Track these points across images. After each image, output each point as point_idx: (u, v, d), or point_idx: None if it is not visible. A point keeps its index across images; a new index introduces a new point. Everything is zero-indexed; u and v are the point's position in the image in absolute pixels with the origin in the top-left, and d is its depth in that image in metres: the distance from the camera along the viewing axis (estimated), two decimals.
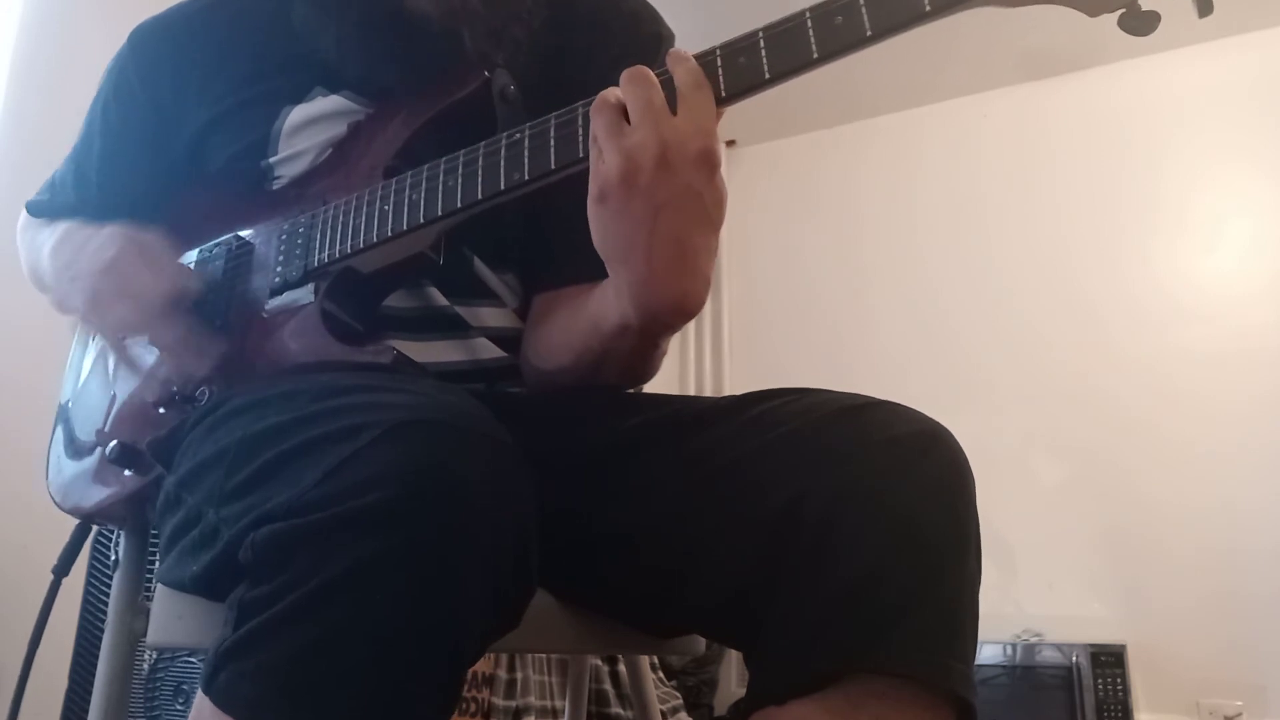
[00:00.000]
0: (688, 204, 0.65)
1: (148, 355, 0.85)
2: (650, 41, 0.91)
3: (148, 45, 0.96)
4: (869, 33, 0.61)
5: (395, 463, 0.51)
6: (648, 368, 0.81)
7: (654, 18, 0.94)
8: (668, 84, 0.66)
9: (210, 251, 0.87)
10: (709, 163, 0.65)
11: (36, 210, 1.00)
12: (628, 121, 0.66)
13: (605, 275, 0.75)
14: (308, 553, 0.50)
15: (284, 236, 0.82)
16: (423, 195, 0.75)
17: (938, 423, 0.65)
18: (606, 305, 0.73)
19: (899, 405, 0.66)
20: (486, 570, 0.52)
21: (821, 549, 0.59)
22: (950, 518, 0.60)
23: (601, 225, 0.68)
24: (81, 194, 0.96)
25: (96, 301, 0.83)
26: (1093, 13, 0.62)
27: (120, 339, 0.84)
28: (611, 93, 0.67)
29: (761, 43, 0.65)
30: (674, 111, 0.65)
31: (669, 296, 0.68)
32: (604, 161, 0.66)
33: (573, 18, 0.91)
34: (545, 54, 0.87)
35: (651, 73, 0.66)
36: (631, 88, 0.66)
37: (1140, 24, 0.61)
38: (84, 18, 2.07)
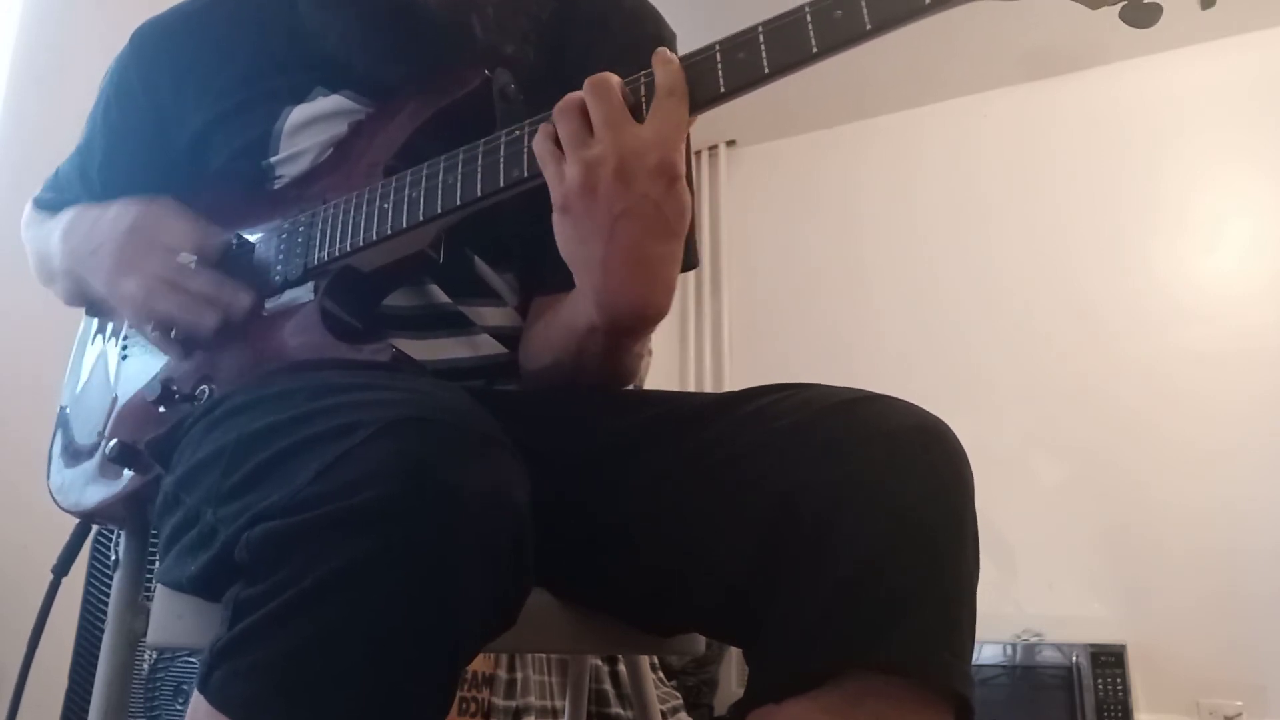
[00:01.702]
0: (645, 214, 0.66)
1: (154, 352, 0.85)
2: (650, 42, 0.91)
3: (148, 46, 0.96)
4: (868, 26, 0.61)
5: (389, 460, 0.50)
6: (624, 370, 0.82)
7: (655, 18, 0.95)
8: (649, 86, 0.67)
9: None
10: (667, 173, 0.66)
11: (43, 205, 1.00)
12: (590, 129, 0.67)
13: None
14: (302, 551, 0.50)
15: (284, 235, 0.82)
16: (422, 193, 0.75)
17: (935, 416, 0.65)
18: (576, 309, 0.75)
19: (895, 399, 0.66)
20: (482, 568, 0.52)
21: (819, 544, 0.59)
22: (949, 513, 0.60)
23: (563, 233, 0.69)
24: (85, 192, 0.96)
25: (121, 264, 0.83)
26: (1094, 4, 0.62)
27: (145, 307, 0.82)
28: (575, 99, 0.67)
29: (761, 37, 0.65)
30: (644, 116, 0.66)
31: (628, 303, 0.70)
32: (565, 171, 0.67)
33: (575, 14, 0.91)
34: (548, 50, 0.87)
35: (614, 82, 0.67)
36: (592, 99, 0.67)
37: (1142, 16, 0.61)
38: (84, 18, 2.07)
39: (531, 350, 0.86)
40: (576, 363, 0.79)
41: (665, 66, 0.67)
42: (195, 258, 0.82)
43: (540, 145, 0.69)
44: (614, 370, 0.81)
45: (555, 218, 0.69)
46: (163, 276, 0.81)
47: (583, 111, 0.67)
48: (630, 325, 0.72)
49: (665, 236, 0.68)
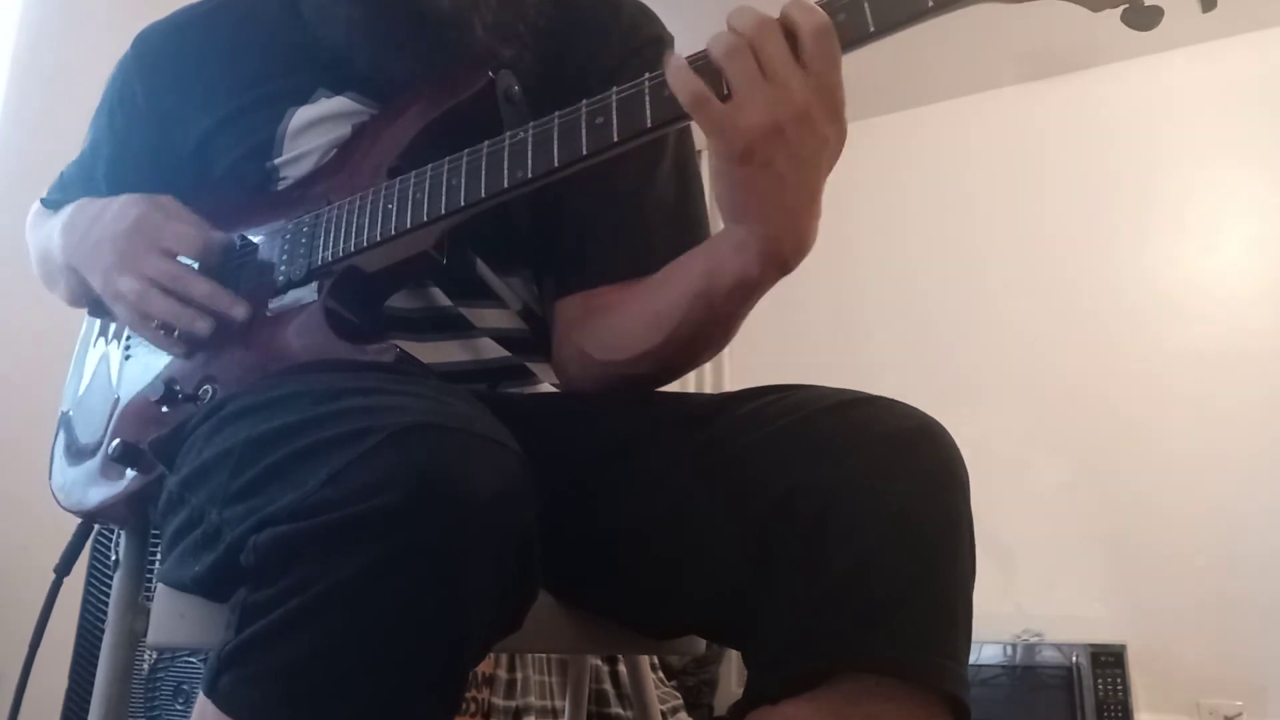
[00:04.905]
0: (822, 156, 0.64)
1: (156, 352, 0.85)
2: (651, 46, 0.91)
3: (151, 51, 0.96)
4: (871, 29, 0.61)
5: (400, 467, 0.50)
6: (732, 331, 0.77)
7: (654, 23, 0.94)
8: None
9: None
10: (840, 112, 0.64)
11: (48, 205, 1.00)
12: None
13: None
14: (311, 557, 0.50)
15: (288, 236, 0.82)
16: (426, 194, 0.75)
17: (930, 417, 0.65)
18: (720, 267, 0.70)
19: (891, 400, 0.66)
20: (490, 574, 0.52)
21: (814, 543, 0.59)
22: (943, 511, 0.60)
23: (738, 182, 0.64)
24: (91, 195, 0.96)
25: (120, 262, 0.82)
26: (1096, 7, 0.62)
27: (138, 308, 0.82)
28: (741, 40, 0.61)
29: None
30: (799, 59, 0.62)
31: (797, 243, 0.67)
32: (743, 116, 0.61)
33: (575, 23, 0.91)
34: (548, 58, 0.87)
35: (775, 21, 0.62)
36: (765, 37, 0.61)
37: (1144, 19, 0.61)
38: (84, 18, 2.07)
39: (620, 341, 0.80)
40: (694, 334, 0.75)
41: (810, 11, 0.61)
42: (198, 263, 0.82)
43: (690, 85, 0.62)
44: (728, 334, 0.77)
45: (730, 168, 0.63)
46: (159, 279, 0.81)
47: (753, 53, 0.61)
48: (792, 264, 0.68)
49: (827, 174, 0.66)
